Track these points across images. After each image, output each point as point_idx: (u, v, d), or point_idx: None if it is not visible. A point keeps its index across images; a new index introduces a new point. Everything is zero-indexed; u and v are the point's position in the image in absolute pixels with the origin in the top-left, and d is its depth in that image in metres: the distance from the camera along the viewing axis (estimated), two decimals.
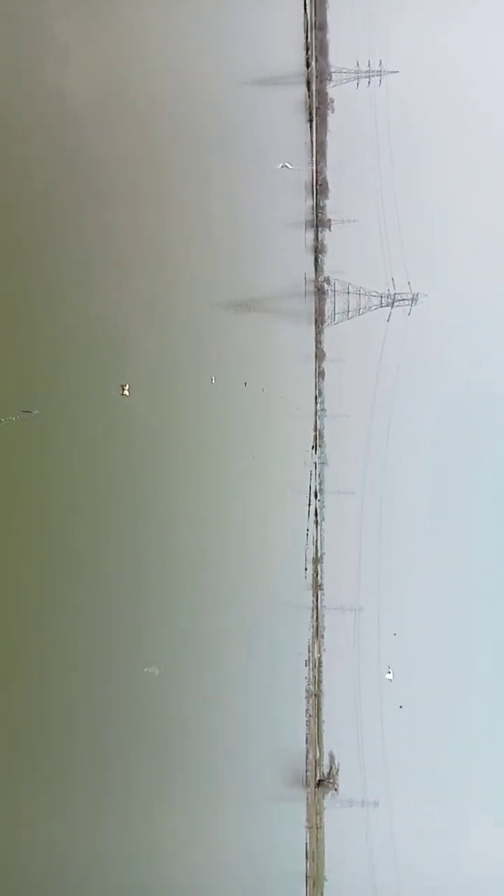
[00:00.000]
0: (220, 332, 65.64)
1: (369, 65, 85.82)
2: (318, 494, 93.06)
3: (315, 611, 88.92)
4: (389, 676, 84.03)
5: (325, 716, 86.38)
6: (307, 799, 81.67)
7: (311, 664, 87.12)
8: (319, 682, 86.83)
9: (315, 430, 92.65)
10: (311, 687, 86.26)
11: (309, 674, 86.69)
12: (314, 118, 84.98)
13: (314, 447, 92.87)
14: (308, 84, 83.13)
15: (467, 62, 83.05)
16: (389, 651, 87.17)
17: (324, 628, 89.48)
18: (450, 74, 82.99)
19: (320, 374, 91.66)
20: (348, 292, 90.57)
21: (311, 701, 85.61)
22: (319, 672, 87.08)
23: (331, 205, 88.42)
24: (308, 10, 79.42)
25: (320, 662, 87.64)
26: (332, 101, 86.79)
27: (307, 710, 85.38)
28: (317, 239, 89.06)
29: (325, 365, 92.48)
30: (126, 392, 42.70)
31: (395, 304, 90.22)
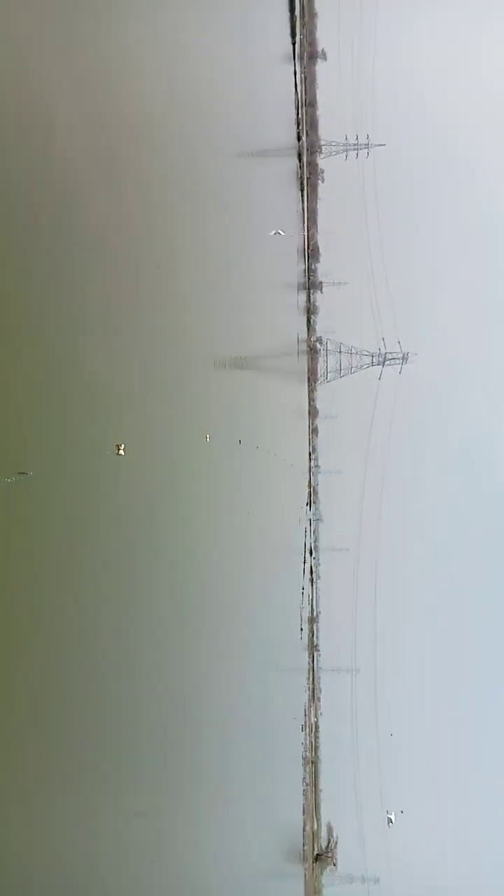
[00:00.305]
0: (214, 390, 66.36)
1: (357, 138, 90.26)
2: (314, 552, 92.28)
3: (311, 672, 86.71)
4: (391, 816, 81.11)
5: (322, 784, 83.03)
6: (305, 875, 77.50)
7: (307, 729, 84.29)
8: (316, 748, 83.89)
9: (309, 486, 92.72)
10: (307, 753, 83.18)
11: (305, 739, 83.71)
12: (305, 187, 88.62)
13: (309, 504, 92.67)
14: (299, 156, 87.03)
15: (448, 135, 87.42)
16: (388, 714, 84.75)
17: (320, 691, 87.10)
18: (433, 147, 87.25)
19: (314, 431, 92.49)
20: (340, 352, 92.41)
21: (307, 768, 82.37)
22: (316, 738, 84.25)
23: (322, 268, 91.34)
24: (299, 89, 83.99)
25: (317, 727, 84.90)
26: (323, 172, 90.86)
27: (304, 778, 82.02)
28: (309, 300, 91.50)
29: (319, 422, 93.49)
30: (121, 452, 42.89)
31: (386, 362, 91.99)
